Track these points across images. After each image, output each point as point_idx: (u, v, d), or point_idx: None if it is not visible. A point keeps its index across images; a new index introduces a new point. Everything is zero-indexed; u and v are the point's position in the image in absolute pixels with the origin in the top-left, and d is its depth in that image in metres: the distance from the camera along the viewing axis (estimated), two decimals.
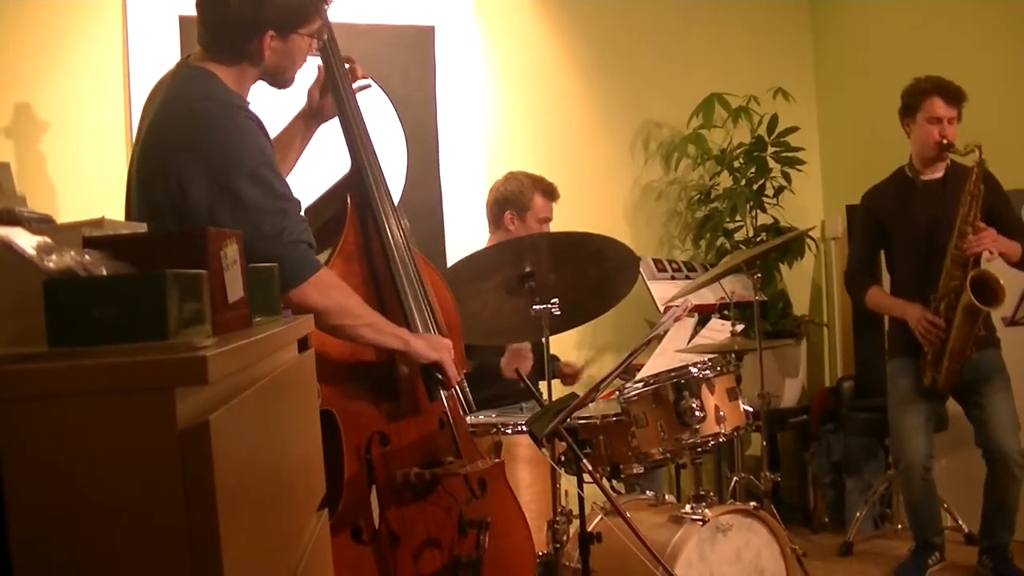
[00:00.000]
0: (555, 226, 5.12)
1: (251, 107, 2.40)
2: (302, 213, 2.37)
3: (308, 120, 2.83)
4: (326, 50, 2.71)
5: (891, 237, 4.37)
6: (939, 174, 4.28)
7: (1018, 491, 4.06)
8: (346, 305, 2.38)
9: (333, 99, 2.75)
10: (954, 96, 4.16)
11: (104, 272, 1.08)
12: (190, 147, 2.25)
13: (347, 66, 2.78)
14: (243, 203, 2.23)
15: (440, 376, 2.61)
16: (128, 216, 2.41)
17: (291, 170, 2.79)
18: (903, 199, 4.31)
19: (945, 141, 4.12)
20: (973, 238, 3.94)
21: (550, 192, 4.22)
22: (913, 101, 4.23)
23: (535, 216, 4.17)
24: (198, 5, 2.42)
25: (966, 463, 4.51)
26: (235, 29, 2.38)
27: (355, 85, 2.80)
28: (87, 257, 1.08)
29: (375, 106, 4.82)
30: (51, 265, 1.04)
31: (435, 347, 2.58)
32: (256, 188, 2.25)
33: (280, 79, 2.53)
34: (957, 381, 4.12)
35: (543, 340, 3.11)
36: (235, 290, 1.28)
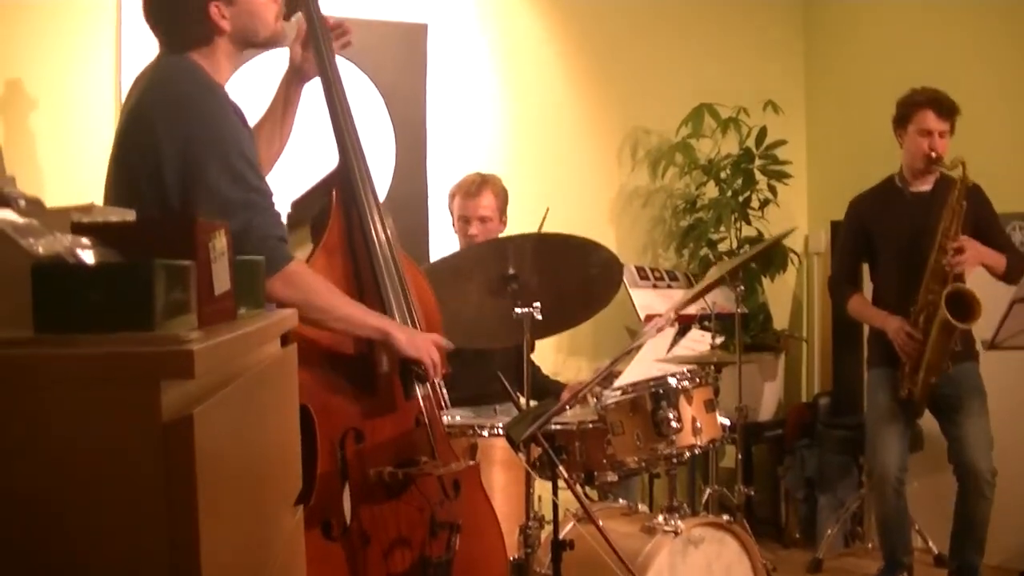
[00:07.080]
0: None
1: (232, 96, 2.38)
2: (275, 205, 2.34)
3: (291, 80, 2.77)
4: (307, 5, 2.67)
5: (875, 246, 4.38)
6: (928, 187, 4.28)
7: (988, 510, 4.06)
8: (314, 301, 2.35)
9: (314, 56, 2.70)
10: (946, 109, 4.16)
11: (92, 259, 1.07)
12: (168, 130, 2.23)
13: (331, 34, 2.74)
14: (212, 192, 2.21)
15: (418, 372, 2.59)
16: (106, 200, 2.39)
17: (288, 135, 2.77)
18: (890, 208, 4.32)
19: (934, 154, 4.12)
20: (957, 258, 3.94)
21: (463, 190, 4.14)
22: (906, 112, 4.23)
23: (456, 217, 4.15)
24: (145, 12, 2.40)
25: (939, 485, 4.52)
26: (184, 15, 2.36)
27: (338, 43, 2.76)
28: (75, 242, 1.07)
29: (365, 99, 4.81)
30: (39, 249, 1.03)
31: (417, 346, 2.55)
32: (225, 177, 2.23)
33: (260, 40, 2.48)
34: (932, 393, 4.14)
35: (524, 343, 3.11)
36: (222, 282, 1.27)
